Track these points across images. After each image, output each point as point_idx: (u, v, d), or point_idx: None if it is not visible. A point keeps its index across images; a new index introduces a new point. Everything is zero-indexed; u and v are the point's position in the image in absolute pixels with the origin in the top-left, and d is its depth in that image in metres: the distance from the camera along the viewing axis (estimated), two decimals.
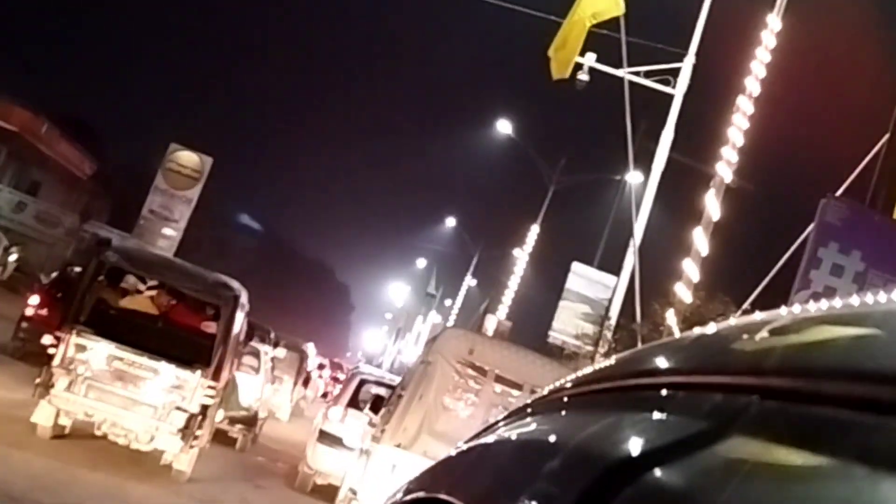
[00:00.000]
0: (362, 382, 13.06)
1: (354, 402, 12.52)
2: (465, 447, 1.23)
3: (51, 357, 9.57)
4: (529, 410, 1.14)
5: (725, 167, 13.94)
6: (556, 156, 29.89)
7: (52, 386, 9.29)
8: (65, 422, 9.65)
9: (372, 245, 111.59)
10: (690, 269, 13.56)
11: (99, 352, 9.37)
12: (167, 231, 36.63)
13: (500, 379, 8.93)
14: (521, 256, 30.42)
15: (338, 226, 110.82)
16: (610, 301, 17.94)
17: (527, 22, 17.68)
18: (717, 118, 14.78)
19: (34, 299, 16.42)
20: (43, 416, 9.45)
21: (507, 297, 30.41)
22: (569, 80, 14.36)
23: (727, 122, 14.13)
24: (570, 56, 13.22)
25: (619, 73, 14.69)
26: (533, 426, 1.08)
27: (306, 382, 23.65)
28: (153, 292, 10.92)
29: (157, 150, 37.72)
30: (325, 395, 25.82)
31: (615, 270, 18.78)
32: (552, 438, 0.96)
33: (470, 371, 8.92)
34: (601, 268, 24.46)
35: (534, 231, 29.84)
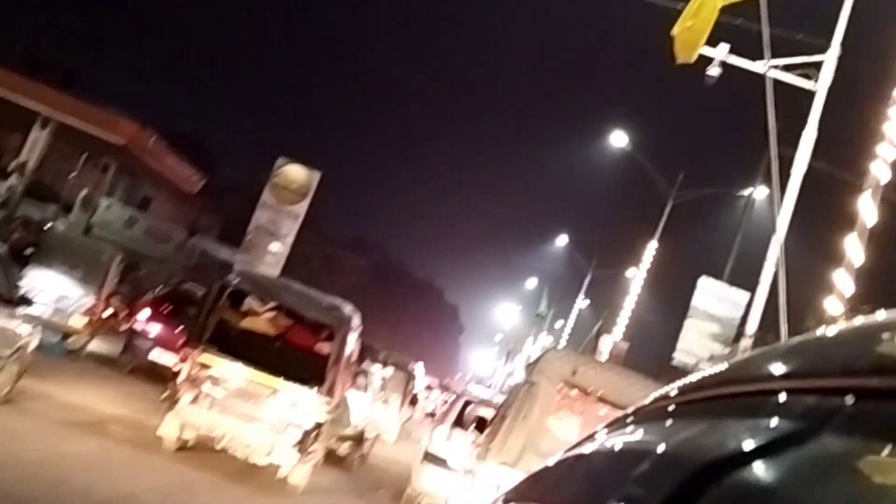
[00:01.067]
0: (467, 403, 13.87)
1: (460, 423, 13.23)
2: (560, 458, 1.32)
3: (175, 373, 10.82)
4: (629, 420, 1.22)
5: (882, 166, 13.24)
6: (675, 168, 30.12)
7: (178, 400, 10.53)
8: (188, 435, 10.91)
9: (482, 265, 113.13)
10: (843, 280, 13.04)
11: (221, 369, 10.59)
12: (274, 247, 37.88)
13: (603, 401, 9.48)
14: (639, 274, 30.75)
15: (448, 245, 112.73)
16: (744, 319, 16.77)
17: (646, 23, 16.91)
18: (864, 114, 14.10)
19: (144, 314, 17.63)
20: (168, 429, 10.72)
21: (623, 317, 30.77)
22: (693, 67, 13.25)
23: (879, 118, 13.45)
24: (697, 38, 12.06)
25: (756, 67, 13.76)
26: (628, 435, 1.15)
27: (413, 403, 24.61)
28: (272, 314, 12.13)
29: (265, 164, 39.09)
30: (431, 415, 26.78)
31: (746, 286, 18.20)
32: (644, 445, 1.04)
33: (573, 392, 9.45)
34: (731, 283, 23.91)
35: (651, 247, 30.15)
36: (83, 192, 36.95)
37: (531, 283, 58.25)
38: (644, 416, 1.19)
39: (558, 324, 49.73)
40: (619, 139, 29.28)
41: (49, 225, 23.12)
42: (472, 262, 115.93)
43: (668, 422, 1.07)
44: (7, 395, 10.41)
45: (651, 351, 30.38)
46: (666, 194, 29.19)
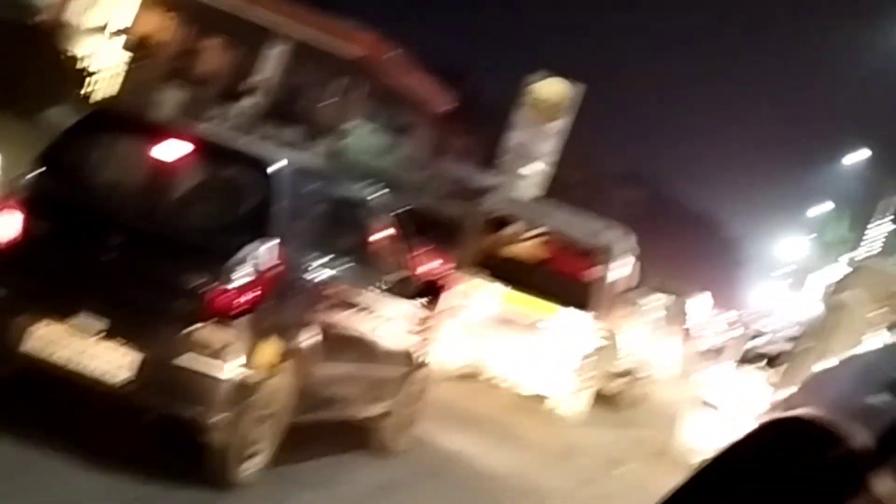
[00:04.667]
0: (755, 335, 13.32)
1: (745, 361, 12.52)
2: (832, 361, 1.36)
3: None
4: None
5: None
6: None
7: (444, 330, 11.19)
8: (457, 364, 11.59)
9: (766, 194, 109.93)
10: None
11: (490, 295, 11.16)
12: (530, 169, 38.07)
13: None
14: None
15: (729, 174, 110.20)
16: None
17: None
18: None
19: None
20: (437, 359, 11.44)
21: None
22: None
23: None
24: None
25: None
26: None
27: (692, 336, 24.31)
28: (537, 239, 12.56)
29: (520, 80, 39.03)
30: (713, 352, 26.42)
31: None
32: None
33: (894, 317, 8.62)
34: None
35: None
36: (331, 117, 38.91)
37: (820, 209, 55.91)
38: None
39: (847, 257, 47.55)
40: None
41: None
42: (755, 192, 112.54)
43: None
44: None
45: None
46: None
